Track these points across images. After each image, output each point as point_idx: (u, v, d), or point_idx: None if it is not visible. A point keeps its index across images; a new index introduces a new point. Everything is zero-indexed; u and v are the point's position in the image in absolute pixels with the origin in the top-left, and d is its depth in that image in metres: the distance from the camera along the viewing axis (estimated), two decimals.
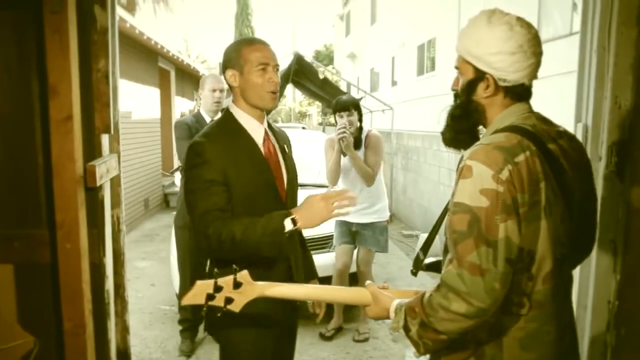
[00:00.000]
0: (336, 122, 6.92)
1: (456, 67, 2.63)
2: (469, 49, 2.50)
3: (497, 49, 2.42)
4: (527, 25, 2.49)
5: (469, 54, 2.51)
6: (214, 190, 3.14)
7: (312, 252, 7.65)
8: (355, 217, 6.99)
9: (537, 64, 2.52)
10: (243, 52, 3.31)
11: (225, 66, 3.39)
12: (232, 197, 3.20)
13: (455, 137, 2.63)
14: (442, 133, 2.70)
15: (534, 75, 2.53)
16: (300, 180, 7.49)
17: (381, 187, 7.13)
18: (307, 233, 7.60)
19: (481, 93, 2.52)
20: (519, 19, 2.49)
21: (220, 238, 3.03)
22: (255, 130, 3.42)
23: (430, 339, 2.35)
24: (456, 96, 2.64)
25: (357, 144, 6.84)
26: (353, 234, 7.13)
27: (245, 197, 3.24)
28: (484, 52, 2.44)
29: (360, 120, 6.94)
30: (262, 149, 3.40)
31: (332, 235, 7.41)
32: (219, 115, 6.40)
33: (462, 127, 2.59)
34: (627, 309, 3.67)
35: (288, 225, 3.05)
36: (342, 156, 6.75)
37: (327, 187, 7.24)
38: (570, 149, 2.51)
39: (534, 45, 2.48)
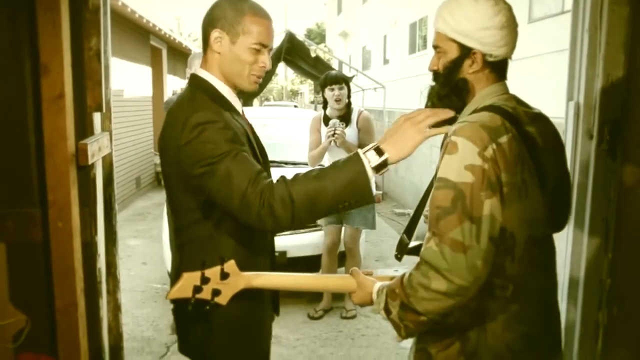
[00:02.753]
0: (324, 98, 7.01)
1: (435, 47, 2.60)
2: (455, 27, 2.47)
3: (488, 23, 2.42)
4: (507, 2, 2.51)
5: (454, 31, 2.48)
6: (245, 152, 2.60)
7: (302, 231, 7.61)
8: None
9: (516, 40, 2.53)
10: (246, 19, 2.76)
11: (212, 23, 2.83)
12: None
13: None
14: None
15: (513, 51, 2.55)
16: (292, 159, 7.48)
17: None
18: None
19: (467, 69, 2.50)
20: None
21: (294, 201, 2.42)
22: (237, 104, 2.97)
23: (411, 320, 2.34)
24: (436, 76, 2.61)
25: (347, 120, 6.91)
26: (339, 214, 7.08)
27: None
28: (474, 27, 2.43)
29: (349, 95, 7.00)
30: None
31: None
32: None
33: (452, 106, 2.54)
34: (619, 287, 3.69)
35: (373, 158, 2.46)
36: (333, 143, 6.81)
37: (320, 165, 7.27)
38: (545, 131, 2.52)
39: (514, 20, 2.50)
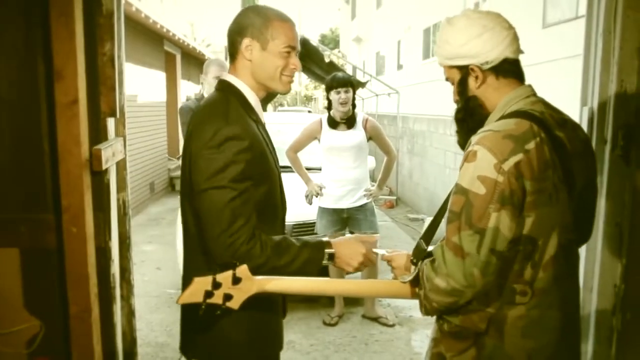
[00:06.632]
0: (329, 100, 7.00)
1: (447, 79, 2.73)
2: (446, 54, 2.62)
3: (463, 39, 2.52)
4: (485, 11, 2.60)
5: (447, 58, 2.63)
6: (250, 193, 2.69)
7: (302, 237, 7.67)
8: (346, 202, 7.05)
9: (514, 37, 2.55)
10: (274, 25, 2.82)
11: (241, 32, 2.84)
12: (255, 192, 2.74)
13: (467, 138, 2.59)
14: (458, 142, 2.75)
15: (515, 48, 2.56)
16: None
17: (367, 168, 7.33)
18: (295, 219, 7.65)
19: (474, 85, 2.58)
20: (475, 10, 2.64)
21: (260, 264, 2.64)
22: (261, 113, 2.99)
23: (428, 302, 2.45)
24: (458, 104, 2.71)
25: (351, 124, 6.97)
26: (344, 220, 7.16)
27: (265, 191, 2.81)
28: (456, 47, 2.55)
29: (354, 98, 7.01)
30: None
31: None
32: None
33: (470, 127, 2.61)
34: (633, 292, 3.68)
35: (325, 259, 2.80)
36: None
37: (319, 169, 7.38)
38: (574, 137, 2.51)
39: (501, 21, 2.55)
